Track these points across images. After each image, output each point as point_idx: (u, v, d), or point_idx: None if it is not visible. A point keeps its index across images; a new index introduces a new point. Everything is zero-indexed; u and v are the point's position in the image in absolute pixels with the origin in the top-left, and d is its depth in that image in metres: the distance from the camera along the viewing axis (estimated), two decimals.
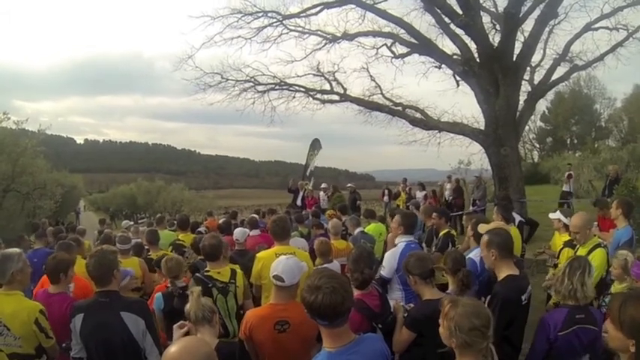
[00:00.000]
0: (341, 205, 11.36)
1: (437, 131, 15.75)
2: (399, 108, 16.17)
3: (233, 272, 4.71)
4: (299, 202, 16.19)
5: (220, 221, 10.74)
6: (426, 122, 15.60)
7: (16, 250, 4.24)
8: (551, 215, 6.36)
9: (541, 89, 15.19)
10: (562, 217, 6.14)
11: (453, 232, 6.96)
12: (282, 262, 3.57)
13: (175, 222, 10.77)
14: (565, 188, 16.66)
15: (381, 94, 16.68)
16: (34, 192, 18.77)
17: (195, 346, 1.89)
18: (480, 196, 14.73)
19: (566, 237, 5.95)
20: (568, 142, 43.40)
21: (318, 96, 16.95)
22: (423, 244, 7.16)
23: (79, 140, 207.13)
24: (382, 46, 16.55)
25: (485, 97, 13.97)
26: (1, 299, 3.75)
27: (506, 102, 13.67)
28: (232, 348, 3.42)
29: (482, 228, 4.90)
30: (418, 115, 15.94)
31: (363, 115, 16.90)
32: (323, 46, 16.27)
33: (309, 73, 16.80)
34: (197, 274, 4.63)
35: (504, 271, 3.74)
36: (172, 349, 1.87)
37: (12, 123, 18.86)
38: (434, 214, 7.35)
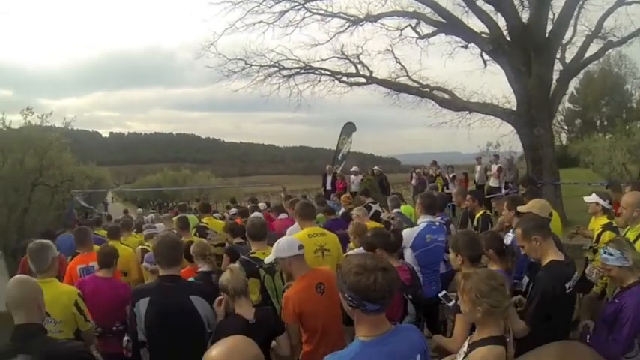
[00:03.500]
0: (364, 189, 11.13)
1: (467, 112, 15.38)
2: (427, 90, 15.79)
3: None
4: (329, 187, 15.96)
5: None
6: (455, 103, 15.19)
7: (49, 241, 4.40)
8: (587, 199, 6.06)
9: (573, 67, 14.60)
10: (600, 200, 5.88)
11: (489, 212, 6.79)
12: (289, 238, 4.02)
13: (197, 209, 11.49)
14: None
15: (407, 76, 16.28)
16: (62, 185, 18.81)
17: (243, 348, 1.75)
18: (512, 178, 14.32)
19: (603, 220, 5.75)
20: (597, 123, 41.93)
21: (345, 79, 16.65)
22: (452, 226, 7.02)
23: (105, 134, 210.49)
24: (406, 27, 16.06)
25: (517, 76, 13.49)
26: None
27: (538, 81, 13.16)
28: (268, 313, 3.66)
29: (524, 208, 4.82)
30: (447, 96, 15.55)
31: (390, 98, 16.56)
32: (346, 28, 15.93)
33: (333, 57, 16.50)
34: (243, 257, 4.69)
35: (549, 256, 3.45)
36: (215, 351, 1.71)
37: (36, 118, 19.06)
38: (468, 196, 7.23)
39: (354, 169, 17.11)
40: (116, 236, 7.16)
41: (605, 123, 40.87)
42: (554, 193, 12.84)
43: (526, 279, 4.15)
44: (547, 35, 13.40)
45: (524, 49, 13.45)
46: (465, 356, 2.63)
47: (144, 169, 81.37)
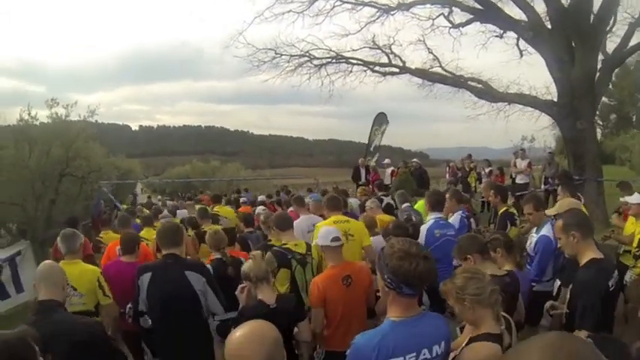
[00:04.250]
0: (378, 184, 11.69)
1: (504, 104, 14.74)
2: (462, 80, 15.18)
3: (308, 245, 5.04)
4: (363, 179, 15.53)
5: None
6: (492, 94, 14.51)
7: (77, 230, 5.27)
8: (630, 199, 5.90)
9: (617, 57, 13.75)
10: None
11: (513, 210, 6.48)
12: (330, 228, 4.32)
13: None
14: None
15: (440, 66, 15.76)
16: (90, 175, 18.72)
17: (263, 330, 1.83)
18: (553, 174, 13.59)
19: None
20: (634, 119, 40.17)
21: (378, 69, 16.17)
22: (471, 220, 7.01)
23: (134, 127, 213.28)
24: (439, 16, 15.51)
25: (559, 66, 12.78)
26: (66, 266, 4.22)
27: (582, 70, 12.44)
28: (290, 299, 3.96)
29: (553, 210, 4.82)
30: (482, 87, 14.91)
31: (423, 90, 16.11)
32: (377, 18, 15.45)
33: (364, 47, 16.04)
34: (274, 248, 4.92)
35: (588, 255, 3.37)
36: (238, 333, 1.79)
37: (61, 108, 18.84)
38: (491, 191, 6.94)
39: (386, 161, 16.81)
40: (150, 224, 7.88)
41: None
42: (597, 191, 12.15)
43: (557, 282, 4.25)
44: (591, 21, 12.65)
45: (567, 36, 12.78)
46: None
47: (173, 162, 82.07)
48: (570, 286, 3.55)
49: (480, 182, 14.47)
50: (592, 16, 12.68)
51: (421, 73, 15.71)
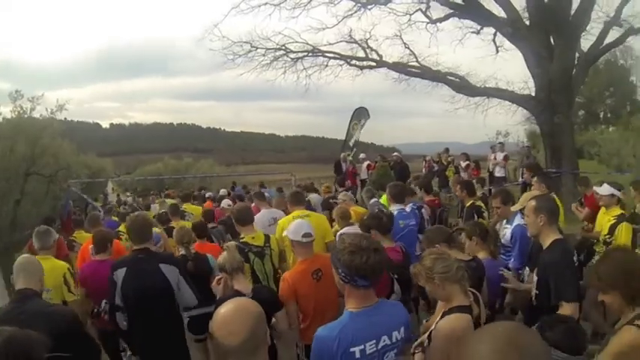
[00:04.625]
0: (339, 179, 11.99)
1: (484, 97, 14.81)
2: (440, 75, 15.18)
3: (267, 237, 5.11)
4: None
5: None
6: (472, 88, 14.55)
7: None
8: (601, 190, 6.02)
9: (592, 54, 13.89)
10: (615, 191, 5.94)
11: (479, 203, 6.77)
12: (303, 223, 4.24)
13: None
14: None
15: (417, 61, 15.78)
16: (58, 174, 17.37)
17: (247, 306, 1.93)
18: None
19: (617, 211, 5.80)
20: (601, 115, 41.07)
21: (355, 63, 16.10)
22: (423, 210, 7.19)
23: (105, 125, 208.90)
24: (416, 11, 15.52)
25: (537, 61, 12.87)
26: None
27: (560, 65, 12.57)
28: (265, 289, 4.09)
29: (517, 206, 5.01)
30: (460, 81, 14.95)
31: (399, 84, 16.10)
32: (355, 12, 15.40)
33: (341, 41, 15.98)
34: (233, 242, 4.92)
35: (551, 237, 3.61)
36: (223, 309, 1.89)
37: (26, 101, 17.54)
38: (457, 186, 7.38)
39: (361, 155, 16.73)
40: (124, 220, 7.92)
41: (609, 115, 40.06)
42: (574, 183, 12.22)
43: (527, 270, 4.39)
44: (571, 18, 12.74)
45: (546, 32, 12.87)
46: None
47: (145, 160, 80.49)
48: (536, 269, 3.71)
49: (459, 175, 14.48)
50: (572, 13, 12.75)
51: (399, 67, 15.62)
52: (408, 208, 6.17)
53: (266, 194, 8.49)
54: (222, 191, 15.81)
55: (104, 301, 4.28)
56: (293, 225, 4.19)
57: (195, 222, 6.73)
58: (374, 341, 2.45)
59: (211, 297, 3.92)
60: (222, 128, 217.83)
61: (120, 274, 3.95)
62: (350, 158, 16.18)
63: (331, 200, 8.72)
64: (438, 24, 15.57)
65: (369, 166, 15.65)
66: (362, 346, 2.41)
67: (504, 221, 5.31)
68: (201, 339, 5.18)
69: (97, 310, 4.57)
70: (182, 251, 5.40)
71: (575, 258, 3.64)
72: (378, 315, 2.50)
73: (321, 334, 2.47)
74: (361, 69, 16.08)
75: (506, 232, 5.15)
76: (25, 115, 17.15)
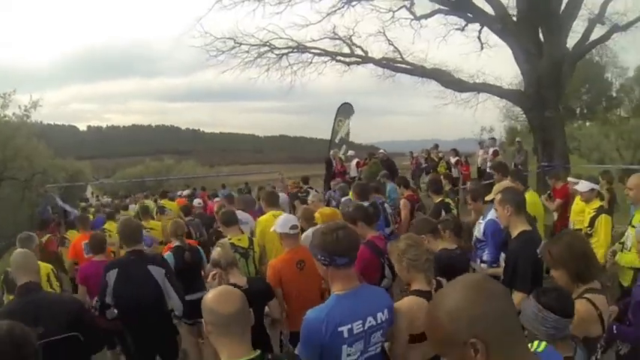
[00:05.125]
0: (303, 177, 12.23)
1: (473, 93, 14.68)
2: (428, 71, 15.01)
3: (250, 240, 5.40)
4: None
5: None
6: (461, 84, 14.37)
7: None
8: (581, 187, 6.17)
9: (578, 51, 13.83)
10: (595, 186, 6.16)
11: (448, 200, 7.01)
12: (289, 217, 4.59)
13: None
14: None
15: (402, 58, 15.66)
16: (34, 178, 16.11)
17: (233, 289, 2.19)
18: (522, 161, 13.56)
19: (596, 204, 6.00)
20: (577, 111, 41.59)
21: (341, 59, 15.91)
22: (385, 205, 7.35)
23: (82, 127, 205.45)
24: (401, 7, 15.38)
25: (526, 57, 12.82)
26: None
27: (550, 61, 12.47)
28: (260, 280, 4.24)
29: (490, 196, 5.11)
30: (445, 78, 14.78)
31: (383, 81, 15.99)
32: (338, 9, 15.19)
33: (325, 37, 15.79)
34: (225, 239, 5.16)
35: (519, 227, 3.85)
36: (210, 295, 2.11)
37: None
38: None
39: (350, 153, 16.50)
40: (112, 217, 9.12)
41: (585, 111, 40.54)
42: (565, 177, 12.16)
43: (502, 255, 4.57)
44: (561, 12, 12.67)
45: (534, 28, 12.83)
46: None
47: (123, 163, 79.38)
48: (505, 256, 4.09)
49: (450, 171, 14.30)
50: (561, 8, 12.67)
51: (386, 63, 15.45)
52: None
53: (221, 195, 9.68)
54: (186, 192, 16.71)
55: (95, 299, 4.43)
56: (281, 219, 4.43)
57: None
58: (360, 321, 2.56)
59: (203, 284, 4.52)
60: (201, 129, 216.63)
61: (112, 275, 4.16)
62: (340, 156, 15.88)
63: (299, 194, 8.95)
64: (422, 21, 15.42)
65: (358, 164, 15.43)
66: (349, 326, 2.52)
67: (481, 217, 5.46)
68: (193, 323, 5.36)
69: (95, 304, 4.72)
70: (177, 243, 5.68)
71: (539, 250, 3.75)
72: (362, 297, 2.62)
73: (310, 316, 2.55)
74: (348, 65, 15.90)
75: (479, 226, 5.29)
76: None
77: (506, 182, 5.92)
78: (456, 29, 15.34)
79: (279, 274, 4.13)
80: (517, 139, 15.70)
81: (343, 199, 8.21)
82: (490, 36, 14.99)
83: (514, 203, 3.84)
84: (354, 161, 15.65)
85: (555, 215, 7.91)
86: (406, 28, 15.63)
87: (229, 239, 5.17)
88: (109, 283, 4.15)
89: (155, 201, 14.07)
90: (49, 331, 2.98)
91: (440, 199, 6.92)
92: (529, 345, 1.49)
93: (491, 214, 4.99)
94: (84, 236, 6.96)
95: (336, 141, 18.01)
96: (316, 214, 6.58)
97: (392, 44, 15.65)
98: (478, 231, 5.30)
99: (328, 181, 13.69)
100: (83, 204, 18.41)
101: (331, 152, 15.93)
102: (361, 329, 2.56)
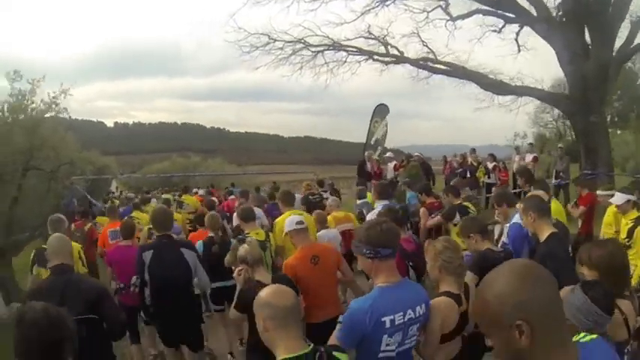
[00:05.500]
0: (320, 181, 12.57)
1: (513, 97, 14.08)
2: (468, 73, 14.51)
3: (267, 234, 5.82)
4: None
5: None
6: (502, 86, 13.82)
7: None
8: (615, 200, 6.02)
9: (624, 53, 13.11)
10: (629, 197, 5.96)
11: (467, 204, 6.98)
12: (294, 216, 4.97)
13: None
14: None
15: (436, 59, 15.28)
16: (60, 169, 15.30)
17: (282, 287, 2.26)
18: (564, 168, 12.95)
19: (634, 214, 5.83)
20: (609, 119, 40.28)
21: (379, 58, 15.51)
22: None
23: (109, 124, 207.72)
24: (435, 8, 15.05)
25: (572, 57, 12.22)
26: None
27: (597, 62, 11.92)
28: (284, 277, 4.13)
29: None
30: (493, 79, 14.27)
31: (417, 83, 15.66)
32: (373, 7, 14.92)
33: (360, 37, 15.45)
34: (239, 236, 5.43)
35: (546, 230, 3.89)
36: (265, 292, 2.17)
37: (25, 83, 14.80)
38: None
39: (388, 154, 16.02)
40: (138, 208, 9.99)
41: (617, 119, 39.24)
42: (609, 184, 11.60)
43: None
44: (608, 13, 12.10)
45: (580, 29, 12.27)
46: None
47: (149, 159, 79.99)
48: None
49: (489, 177, 13.76)
50: (610, 8, 12.11)
51: (424, 64, 15.08)
52: (379, 206, 6.49)
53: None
54: (201, 191, 16.81)
55: (135, 276, 4.65)
56: (287, 221, 4.69)
57: (197, 214, 8.41)
58: (401, 313, 2.63)
59: (230, 273, 4.52)
60: (226, 128, 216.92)
61: (147, 255, 4.54)
62: (376, 158, 15.41)
63: (310, 197, 8.89)
64: (456, 22, 15.04)
65: (395, 166, 14.97)
66: (392, 317, 2.59)
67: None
68: (220, 309, 6.03)
69: (125, 285, 5.22)
70: (211, 234, 6.06)
71: (569, 249, 4.00)
72: (403, 290, 2.72)
73: (355, 306, 2.64)
74: (386, 64, 15.52)
75: (505, 230, 5.31)
76: (25, 101, 14.72)
77: (540, 192, 5.72)
78: (492, 31, 14.85)
79: (294, 270, 4.24)
80: (559, 144, 15.01)
81: (359, 202, 8.52)
82: (526, 38, 14.64)
83: (536, 209, 3.96)
84: (392, 163, 15.24)
85: (579, 222, 7.78)
86: (440, 30, 15.34)
87: (247, 233, 5.54)
88: (145, 262, 4.54)
89: (175, 196, 14.59)
90: (72, 311, 2.91)
91: (458, 201, 7.00)
92: (574, 335, 1.54)
93: (516, 218, 5.02)
94: (111, 224, 7.83)
95: (372, 142, 17.40)
96: (329, 217, 7.02)
97: (426, 45, 15.30)
98: (505, 235, 5.32)
99: (363, 183, 13.23)
100: (110, 196, 19.74)
101: (366, 153, 15.34)
102: (402, 321, 2.63)
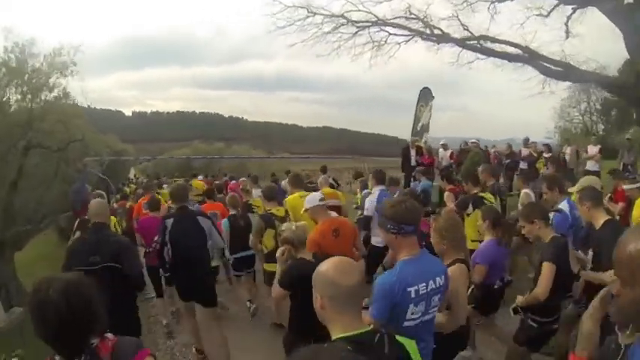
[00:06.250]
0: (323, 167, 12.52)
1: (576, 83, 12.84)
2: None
3: (286, 211, 6.19)
4: (413, 162, 13.21)
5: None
6: (566, 72, 12.45)
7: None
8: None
9: None
10: None
11: (483, 194, 6.80)
12: (314, 194, 5.30)
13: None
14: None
15: (478, 42, 14.46)
16: (69, 148, 12.56)
17: (349, 260, 2.09)
18: (632, 161, 11.79)
19: None
20: (634, 115, 38.29)
21: (430, 37, 14.55)
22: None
23: (127, 112, 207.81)
24: None
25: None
26: None
27: None
28: (322, 257, 3.75)
29: (574, 188, 5.25)
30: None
31: (458, 69, 15.08)
32: None
33: (400, 17, 14.43)
34: (261, 213, 6.57)
35: (601, 218, 4.10)
36: (327, 265, 1.98)
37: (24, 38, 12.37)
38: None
39: (443, 141, 15.22)
40: (160, 187, 11.71)
41: None
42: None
43: (590, 252, 4.50)
44: None
45: None
46: None
47: (168, 147, 79.53)
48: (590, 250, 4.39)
49: (547, 168, 12.59)
50: None
51: (475, 45, 14.08)
52: (376, 191, 6.87)
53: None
54: (200, 177, 18.75)
55: (156, 237, 5.43)
56: (308, 198, 5.02)
57: (207, 189, 9.86)
58: (424, 284, 2.75)
59: (249, 245, 6.19)
60: (244, 117, 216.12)
61: (169, 222, 5.21)
62: (423, 144, 14.25)
63: (309, 185, 9.19)
64: (497, 6, 14.04)
65: (451, 155, 14.09)
66: (416, 287, 2.71)
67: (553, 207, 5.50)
68: (240, 275, 7.09)
69: (151, 249, 6.07)
70: (233, 212, 7.04)
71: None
72: (424, 262, 2.85)
73: (382, 280, 2.75)
74: (438, 43, 14.49)
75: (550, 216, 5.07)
76: (23, 59, 11.88)
77: (592, 178, 6.05)
78: (538, 15, 13.76)
79: (317, 243, 4.48)
80: (627, 136, 13.65)
81: (364, 192, 8.70)
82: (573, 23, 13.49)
83: (590, 198, 4.20)
84: (448, 152, 14.46)
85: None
86: (477, 15, 14.46)
87: (268, 210, 6.35)
88: (167, 227, 5.20)
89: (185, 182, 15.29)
90: (101, 260, 3.89)
91: (475, 191, 6.92)
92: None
93: (562, 205, 5.29)
94: (145, 198, 8.74)
95: (418, 128, 16.21)
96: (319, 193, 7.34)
97: (467, 29, 14.33)
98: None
99: (408, 170, 12.20)
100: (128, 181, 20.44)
101: (410, 139, 14.26)
102: (425, 291, 2.74)
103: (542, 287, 3.77)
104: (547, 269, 3.78)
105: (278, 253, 4.15)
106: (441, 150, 14.67)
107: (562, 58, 12.96)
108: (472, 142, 13.71)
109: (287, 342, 3.90)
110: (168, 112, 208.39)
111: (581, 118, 31.74)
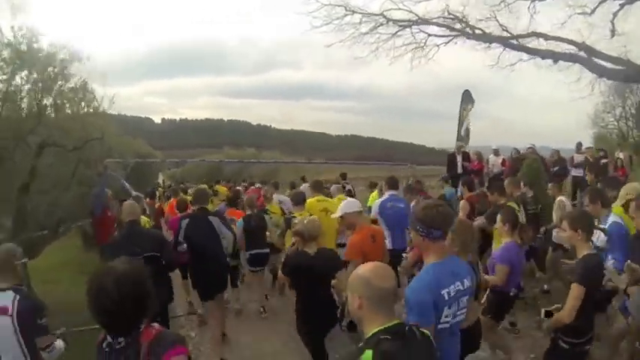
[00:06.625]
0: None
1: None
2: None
3: (310, 215, 6.47)
4: (460, 169, 12.66)
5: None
6: (628, 70, 11.52)
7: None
8: None
9: None
10: None
11: (511, 203, 6.73)
12: (351, 200, 5.68)
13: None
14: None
15: (517, 42, 14.06)
16: (86, 146, 11.23)
17: (384, 265, 2.32)
18: None
19: None
20: None
21: (476, 38, 14.20)
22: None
23: (157, 120, 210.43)
24: None
25: None
26: None
27: None
28: (329, 251, 4.93)
29: (618, 202, 5.31)
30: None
31: (499, 72, 14.46)
32: None
33: (440, 17, 14.06)
34: (286, 216, 7.98)
35: None
36: (366, 268, 2.21)
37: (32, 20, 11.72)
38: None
39: (494, 147, 14.48)
40: (185, 192, 14.32)
41: None
42: None
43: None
44: None
45: None
46: None
47: (196, 154, 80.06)
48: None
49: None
50: None
51: (526, 46, 13.55)
52: (387, 195, 7.34)
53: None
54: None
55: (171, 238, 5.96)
56: (345, 203, 5.29)
57: (228, 196, 10.07)
58: (453, 286, 2.79)
59: (265, 242, 7.39)
60: (272, 125, 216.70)
61: (184, 222, 5.91)
62: (467, 150, 13.66)
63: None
64: (537, 5, 13.53)
65: (503, 162, 13.46)
66: (448, 289, 2.75)
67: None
68: (256, 270, 7.63)
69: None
70: (249, 212, 7.64)
71: None
72: (451, 265, 2.89)
73: (416, 285, 2.74)
74: (486, 42, 14.09)
75: (599, 233, 4.93)
76: (34, 44, 10.30)
77: (631, 185, 5.86)
78: (580, 13, 13.16)
79: (361, 248, 4.80)
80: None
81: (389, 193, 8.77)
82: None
83: None
84: (500, 158, 13.86)
85: None
86: (515, 15, 13.78)
87: (292, 214, 7.30)
88: (182, 227, 5.79)
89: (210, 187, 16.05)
90: (142, 250, 4.64)
91: (502, 201, 6.94)
92: None
93: (613, 217, 5.04)
94: (175, 200, 9.96)
95: (462, 133, 15.33)
96: (334, 200, 7.72)
97: (506, 30, 13.86)
98: (598, 238, 4.97)
99: (455, 178, 11.39)
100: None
101: (457, 144, 13.72)
102: (454, 293, 2.77)
103: (567, 310, 3.63)
104: (575, 291, 3.61)
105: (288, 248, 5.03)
106: (491, 156, 14.03)
107: (621, 54, 12.10)
108: (528, 148, 12.96)
109: (300, 329, 4.57)
110: (196, 120, 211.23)
111: (616, 123, 30.22)
